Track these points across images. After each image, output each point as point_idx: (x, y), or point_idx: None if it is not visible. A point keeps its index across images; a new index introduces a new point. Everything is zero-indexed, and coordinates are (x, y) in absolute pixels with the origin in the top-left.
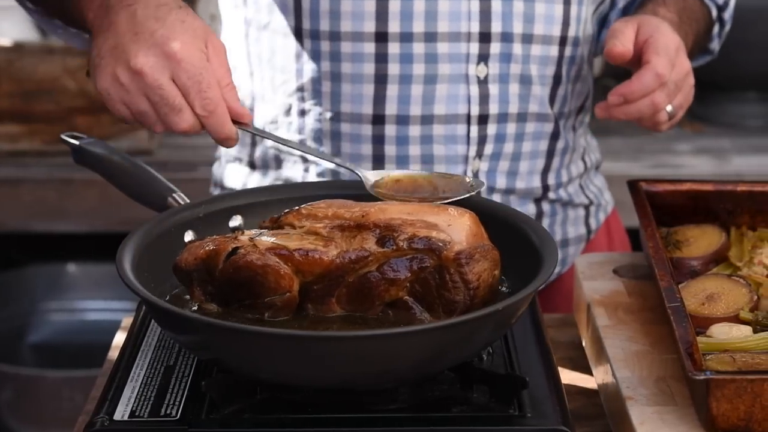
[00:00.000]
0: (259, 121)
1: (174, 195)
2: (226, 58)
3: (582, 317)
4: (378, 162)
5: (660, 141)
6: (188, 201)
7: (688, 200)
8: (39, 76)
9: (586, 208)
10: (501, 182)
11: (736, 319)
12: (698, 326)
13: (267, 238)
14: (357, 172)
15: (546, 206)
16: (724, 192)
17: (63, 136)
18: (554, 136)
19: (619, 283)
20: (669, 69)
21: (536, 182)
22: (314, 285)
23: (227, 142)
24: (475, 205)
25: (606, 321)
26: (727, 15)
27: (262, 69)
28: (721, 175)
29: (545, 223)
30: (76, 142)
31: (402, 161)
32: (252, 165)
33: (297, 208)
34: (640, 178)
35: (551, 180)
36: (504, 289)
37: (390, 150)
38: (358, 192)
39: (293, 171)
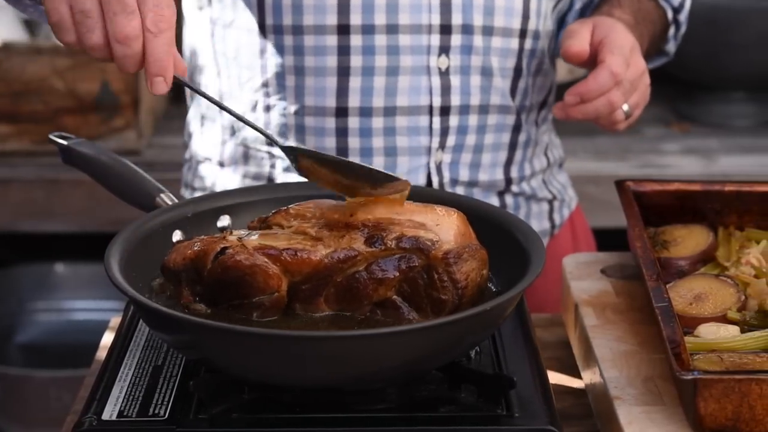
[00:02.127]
0: (229, 119)
1: (162, 195)
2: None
3: (570, 317)
4: (342, 155)
5: (647, 141)
6: (176, 201)
7: (675, 200)
8: (27, 77)
9: (550, 202)
10: (464, 174)
11: (723, 319)
12: (686, 326)
13: (255, 238)
14: (279, 143)
15: (509, 199)
16: (711, 192)
17: (51, 137)
18: (516, 129)
19: (607, 283)
20: (624, 68)
21: (499, 175)
22: (302, 285)
23: (161, 82)
24: (463, 204)
25: (594, 321)
26: (683, 17)
27: (228, 67)
28: (709, 175)
29: None
30: (65, 142)
31: (366, 153)
32: (221, 164)
33: (285, 208)
34: (628, 178)
35: (514, 173)
36: (492, 288)
37: (354, 142)
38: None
39: (261, 167)
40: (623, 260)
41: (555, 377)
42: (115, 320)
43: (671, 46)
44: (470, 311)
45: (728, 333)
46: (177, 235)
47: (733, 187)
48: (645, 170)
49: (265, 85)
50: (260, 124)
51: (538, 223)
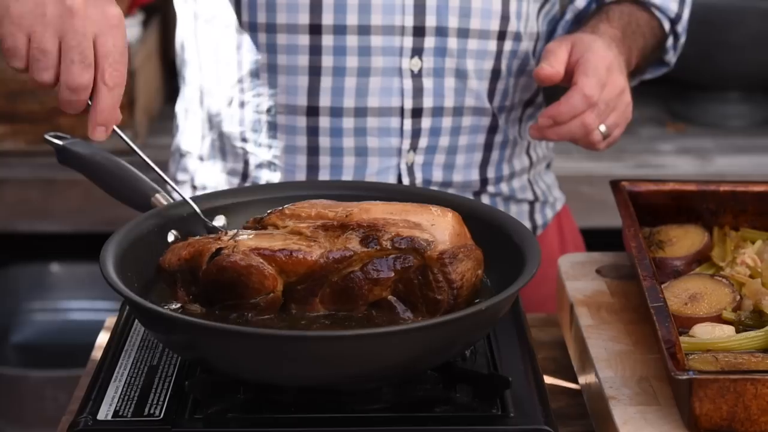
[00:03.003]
0: (208, 114)
1: (157, 195)
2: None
3: (565, 317)
4: (313, 154)
5: (642, 141)
6: (172, 201)
7: (670, 200)
8: (23, 77)
9: (531, 204)
10: (437, 175)
11: (718, 319)
12: (681, 326)
13: (250, 239)
14: (189, 201)
15: (485, 200)
16: (706, 192)
17: (47, 136)
18: (492, 130)
19: (602, 283)
20: (598, 90)
21: (474, 175)
22: (298, 285)
23: (102, 131)
24: (458, 204)
25: (589, 321)
26: (681, 28)
27: (208, 62)
28: (704, 175)
29: None
30: (60, 142)
31: (336, 153)
32: (201, 157)
33: (280, 208)
34: (623, 178)
35: (490, 173)
36: (487, 287)
37: (324, 141)
38: (341, 192)
39: (236, 161)
40: (618, 260)
41: (550, 377)
42: (111, 320)
43: (671, 57)
44: (465, 311)
45: (723, 333)
46: (172, 236)
47: (728, 187)
48: (640, 170)
49: (240, 81)
50: (236, 120)
51: None
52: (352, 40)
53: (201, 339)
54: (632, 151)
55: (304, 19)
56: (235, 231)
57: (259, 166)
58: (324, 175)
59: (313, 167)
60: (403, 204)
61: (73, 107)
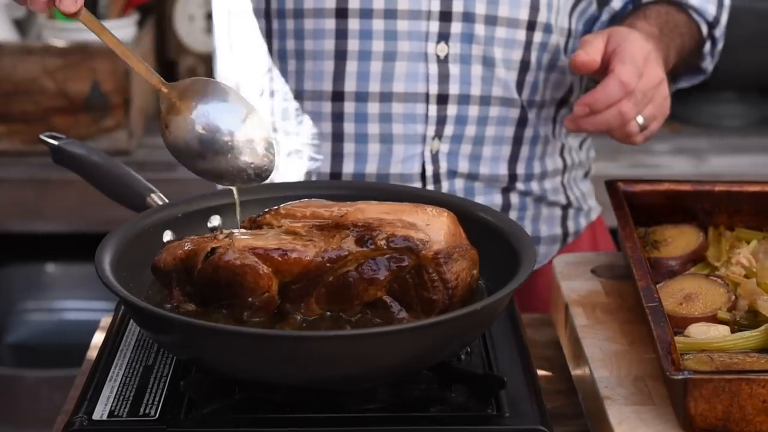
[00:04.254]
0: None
1: (153, 195)
2: None
3: (560, 317)
4: (337, 141)
5: None
6: (167, 201)
7: (666, 200)
8: (17, 77)
9: (564, 208)
10: (463, 166)
11: (714, 319)
12: (676, 326)
13: (246, 238)
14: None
15: (515, 198)
16: (701, 192)
17: (42, 137)
18: (521, 123)
19: (597, 283)
20: (635, 78)
21: (502, 170)
22: (293, 285)
23: (72, 2)
24: (453, 204)
25: (584, 321)
26: (719, 33)
27: (241, 55)
28: (699, 175)
29: (513, 216)
30: (55, 143)
31: (360, 140)
32: None
33: (275, 207)
34: (618, 178)
35: (520, 169)
36: (482, 287)
37: (349, 128)
38: (337, 192)
39: None
40: (613, 260)
41: (545, 377)
42: (106, 320)
43: (708, 63)
44: (461, 311)
45: (718, 333)
46: (168, 236)
47: (723, 187)
48: (635, 170)
49: (270, 70)
50: (266, 110)
51: (548, 228)
52: (378, 24)
53: (196, 339)
54: (627, 151)
55: (330, 3)
56: (231, 230)
57: (288, 155)
58: (349, 165)
59: (338, 155)
60: (398, 204)
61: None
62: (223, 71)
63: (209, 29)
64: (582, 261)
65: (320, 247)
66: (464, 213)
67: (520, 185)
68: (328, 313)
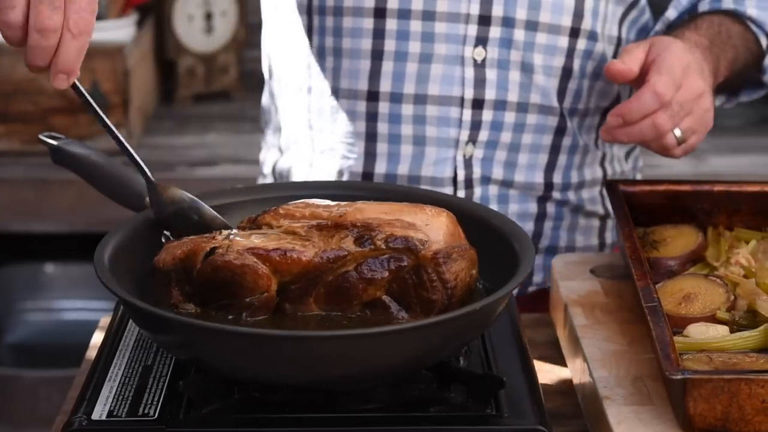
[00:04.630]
0: (284, 102)
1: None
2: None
3: (559, 317)
4: (371, 141)
5: None
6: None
7: (665, 200)
8: (16, 77)
9: (602, 219)
10: (498, 173)
11: (713, 319)
12: (675, 326)
13: (245, 238)
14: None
15: (551, 207)
16: (701, 192)
17: (41, 137)
18: (560, 131)
19: (596, 283)
20: (671, 89)
21: (538, 178)
22: (292, 285)
23: (64, 80)
24: (452, 204)
25: (583, 321)
26: None
27: (284, 49)
28: (698, 175)
29: (548, 225)
30: (54, 142)
31: (394, 140)
32: (280, 150)
33: (275, 208)
34: (618, 178)
35: (556, 178)
36: (481, 287)
37: (383, 128)
38: (336, 192)
39: (304, 150)
40: (612, 260)
41: (544, 377)
42: (105, 320)
43: None
44: (460, 311)
45: (717, 333)
46: (166, 235)
47: (722, 187)
48: None
49: (308, 66)
50: (303, 107)
51: (584, 239)
52: (415, 26)
53: (195, 339)
54: None
55: (369, 2)
56: (230, 230)
57: (322, 152)
58: (381, 165)
59: (370, 155)
60: (397, 204)
61: (40, 55)
62: (267, 64)
63: (208, 29)
64: (581, 261)
65: (319, 247)
66: (463, 213)
67: (556, 194)
68: (327, 313)
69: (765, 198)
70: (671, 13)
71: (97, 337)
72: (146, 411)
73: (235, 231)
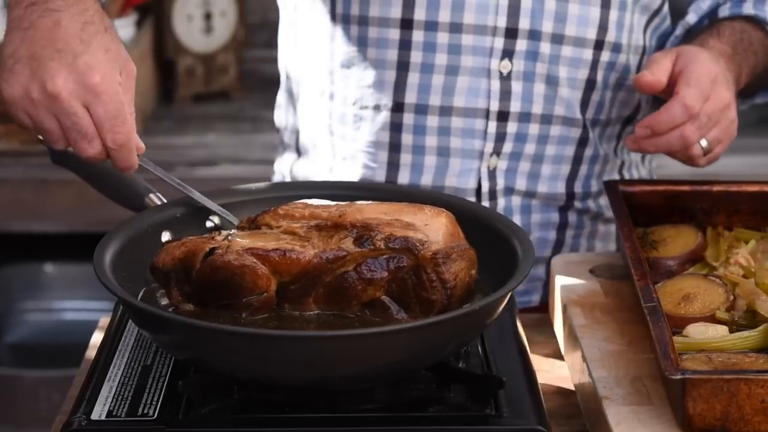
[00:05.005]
0: (302, 107)
1: (151, 195)
2: (134, 84)
3: (558, 317)
4: (394, 151)
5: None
6: (165, 201)
7: (664, 200)
8: None
9: None
10: (521, 184)
11: (712, 319)
12: (675, 326)
13: (244, 239)
14: (229, 219)
15: (572, 217)
16: (700, 192)
17: (40, 137)
18: (582, 143)
19: (596, 283)
20: (700, 101)
21: (560, 188)
22: (291, 285)
23: (127, 172)
24: (451, 205)
25: (582, 321)
26: None
27: (304, 52)
28: (698, 175)
29: (570, 234)
30: None
31: (418, 151)
32: (298, 151)
33: (274, 208)
34: (617, 178)
35: (578, 188)
36: (480, 287)
37: (407, 139)
38: (335, 192)
39: (324, 156)
40: (612, 260)
41: (544, 377)
42: (104, 320)
43: None
44: (459, 311)
45: (717, 333)
46: (166, 236)
47: (721, 187)
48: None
49: (331, 72)
50: (325, 112)
51: (604, 245)
52: (442, 38)
53: (195, 339)
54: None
55: (396, 13)
56: (229, 231)
57: (344, 159)
58: (404, 175)
59: (393, 165)
60: (396, 204)
61: (119, 167)
62: (285, 64)
63: (208, 29)
64: (580, 261)
65: (319, 247)
66: (463, 213)
67: (577, 203)
68: (327, 313)
69: (764, 198)
70: (691, 18)
71: (97, 337)
72: (146, 411)
73: (234, 231)
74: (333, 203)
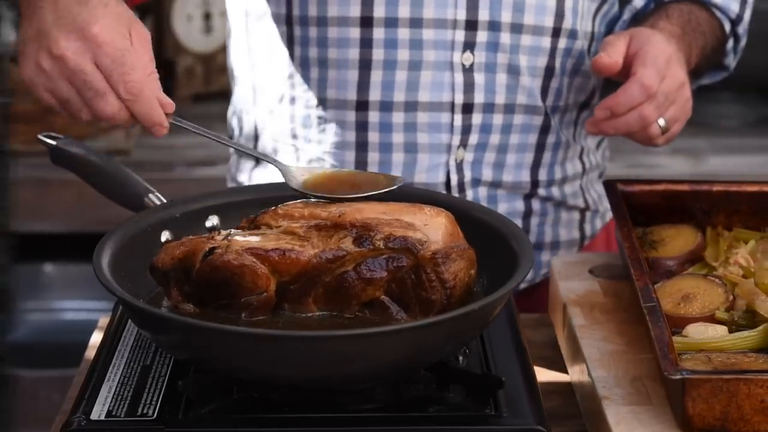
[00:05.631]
0: (261, 112)
1: (151, 195)
2: (150, 46)
3: (558, 317)
4: (362, 150)
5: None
6: (165, 201)
7: (663, 200)
8: (16, 77)
9: (582, 212)
10: (487, 174)
11: (711, 319)
12: (674, 326)
13: (243, 238)
14: (280, 167)
15: (536, 204)
16: (699, 192)
17: (40, 137)
18: (544, 130)
19: (595, 283)
20: (657, 80)
21: (525, 176)
22: (291, 285)
23: (157, 129)
24: (450, 204)
25: (582, 321)
26: (741, 29)
27: (261, 59)
28: (697, 175)
29: (534, 222)
30: (53, 142)
31: (385, 149)
32: (256, 158)
33: (273, 208)
34: (616, 178)
35: (542, 176)
36: (480, 288)
37: (373, 137)
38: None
39: (287, 161)
40: (611, 260)
41: (543, 377)
42: (104, 320)
43: (730, 60)
44: (459, 311)
45: (716, 333)
46: (165, 236)
47: (721, 187)
48: (633, 170)
49: (291, 76)
50: (286, 117)
51: (567, 233)
52: (403, 33)
53: (194, 339)
54: (625, 151)
55: (355, 11)
56: (229, 231)
57: (309, 162)
58: None
59: (361, 164)
60: (396, 204)
61: (125, 125)
62: (239, 73)
63: (207, 29)
64: (580, 261)
65: (318, 247)
66: (462, 213)
67: (541, 191)
68: (327, 313)
69: (764, 198)
70: (638, 2)
71: (96, 337)
72: (145, 411)
73: (234, 231)
74: (333, 203)
